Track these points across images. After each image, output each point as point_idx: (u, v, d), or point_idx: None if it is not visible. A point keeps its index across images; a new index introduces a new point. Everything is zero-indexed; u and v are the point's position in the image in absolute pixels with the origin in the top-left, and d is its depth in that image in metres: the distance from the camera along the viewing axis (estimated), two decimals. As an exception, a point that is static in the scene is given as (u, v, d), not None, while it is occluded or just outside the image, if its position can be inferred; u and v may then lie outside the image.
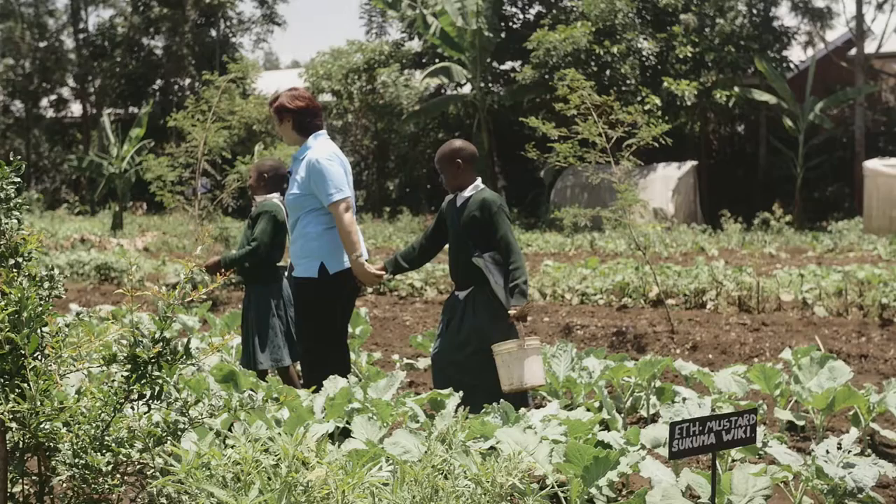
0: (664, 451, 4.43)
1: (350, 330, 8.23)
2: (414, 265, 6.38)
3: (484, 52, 28.40)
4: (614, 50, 26.18)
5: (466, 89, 30.78)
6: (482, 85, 28.88)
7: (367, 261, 6.17)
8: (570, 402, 5.95)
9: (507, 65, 31.76)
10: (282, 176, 6.95)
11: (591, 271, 13.41)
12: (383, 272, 6.19)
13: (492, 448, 4.10)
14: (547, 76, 25.51)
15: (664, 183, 25.90)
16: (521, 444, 3.93)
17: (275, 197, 6.95)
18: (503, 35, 30.41)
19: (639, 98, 24.77)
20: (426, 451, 3.55)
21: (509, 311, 5.68)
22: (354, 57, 31.84)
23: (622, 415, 5.96)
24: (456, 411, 4.91)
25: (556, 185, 27.35)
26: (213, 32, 39.07)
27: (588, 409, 5.18)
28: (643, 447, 4.46)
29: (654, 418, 6.01)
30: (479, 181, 6.01)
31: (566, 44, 26.00)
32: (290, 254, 6.34)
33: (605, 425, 5.25)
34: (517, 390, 5.55)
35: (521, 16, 32.55)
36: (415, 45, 33.34)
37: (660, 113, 20.92)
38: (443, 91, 32.42)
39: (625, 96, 24.23)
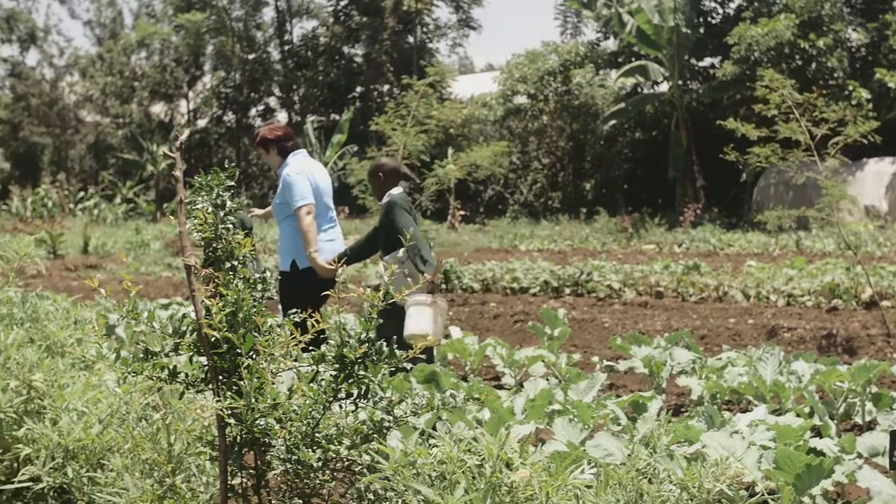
0: (883, 461, 4.22)
1: (549, 332, 8.26)
2: (357, 257, 7.37)
3: (681, 49, 27.83)
4: (820, 43, 25.13)
5: (663, 87, 30.24)
6: (680, 83, 28.31)
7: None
8: (778, 408, 5.75)
9: (706, 61, 30.99)
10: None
11: (797, 272, 12.91)
12: (334, 264, 6.89)
13: (697, 453, 4.01)
14: (748, 72, 24.73)
15: (876, 179, 24.64)
16: (727, 448, 3.83)
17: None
18: (701, 31, 29.70)
19: (846, 92, 23.68)
20: (629, 455, 3.50)
21: (426, 277, 6.49)
22: (549, 59, 31.82)
23: (835, 421, 5.70)
24: (658, 415, 4.83)
25: (758, 183, 26.44)
26: (411, 39, 39.88)
27: (797, 415, 4.99)
28: (859, 455, 4.27)
29: (869, 426, 5.72)
30: (394, 189, 7.11)
31: (768, 38, 25.14)
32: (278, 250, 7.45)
33: (817, 432, 5.03)
34: (416, 340, 6.18)
35: (720, 10, 31.69)
36: (610, 44, 33.02)
37: (870, 106, 19.94)
38: (639, 90, 31.94)
39: (831, 90, 23.21)
